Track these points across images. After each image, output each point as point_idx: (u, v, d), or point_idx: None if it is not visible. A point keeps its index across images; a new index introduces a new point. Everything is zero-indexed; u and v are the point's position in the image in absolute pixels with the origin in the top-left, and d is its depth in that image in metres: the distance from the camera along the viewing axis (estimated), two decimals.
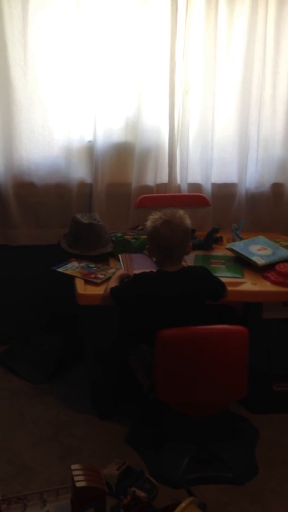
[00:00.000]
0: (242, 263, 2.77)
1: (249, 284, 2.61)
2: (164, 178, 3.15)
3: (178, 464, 2.33)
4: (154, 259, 2.47)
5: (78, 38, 2.84)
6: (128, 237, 2.92)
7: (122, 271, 2.57)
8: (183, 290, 2.35)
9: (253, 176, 3.21)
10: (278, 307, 2.62)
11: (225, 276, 2.59)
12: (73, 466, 1.82)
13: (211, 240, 2.98)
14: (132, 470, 2.25)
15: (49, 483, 2.23)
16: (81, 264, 2.73)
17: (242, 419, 2.64)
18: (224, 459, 2.35)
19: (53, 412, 2.72)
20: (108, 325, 2.53)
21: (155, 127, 3.05)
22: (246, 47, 2.97)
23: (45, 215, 3.08)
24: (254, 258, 2.73)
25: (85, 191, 3.10)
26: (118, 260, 2.74)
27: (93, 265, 2.72)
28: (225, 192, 3.22)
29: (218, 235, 3.02)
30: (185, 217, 2.37)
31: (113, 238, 2.89)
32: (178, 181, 3.14)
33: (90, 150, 3.04)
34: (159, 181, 3.15)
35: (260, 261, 2.71)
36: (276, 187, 3.24)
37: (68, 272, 2.67)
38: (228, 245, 2.88)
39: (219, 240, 3.03)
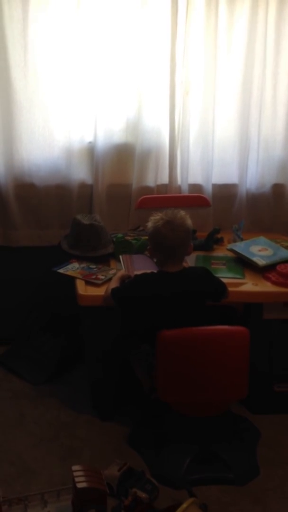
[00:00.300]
0: (243, 263, 2.77)
1: (250, 285, 2.60)
2: (164, 179, 3.15)
3: (179, 465, 2.33)
4: (155, 260, 2.47)
5: (78, 39, 2.84)
6: (128, 238, 2.92)
7: (123, 272, 2.57)
8: (184, 290, 2.35)
9: (254, 176, 3.21)
10: (279, 307, 2.62)
11: (226, 276, 2.59)
12: (74, 467, 1.82)
13: (212, 240, 2.98)
14: (133, 471, 2.25)
15: (50, 484, 2.22)
16: (82, 265, 2.73)
17: (243, 419, 2.64)
18: (225, 459, 2.35)
19: (54, 413, 2.72)
20: (109, 326, 2.53)
21: (156, 128, 3.05)
22: (246, 48, 2.97)
23: (46, 216, 3.08)
24: (255, 259, 2.73)
25: (86, 192, 3.10)
26: (119, 261, 2.74)
27: (93, 266, 2.72)
28: (225, 193, 3.22)
29: (219, 235, 3.02)
30: (186, 217, 2.37)
31: (114, 239, 2.89)
32: (179, 182, 3.14)
33: (90, 151, 3.04)
34: (159, 182, 3.15)
35: (261, 262, 2.71)
36: (277, 188, 3.24)
37: (68, 273, 2.67)
38: (229, 246, 2.88)
39: (220, 241, 3.03)
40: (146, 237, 2.56)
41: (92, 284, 2.57)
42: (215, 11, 2.87)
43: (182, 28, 2.89)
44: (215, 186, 3.19)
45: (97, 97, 2.93)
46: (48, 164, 3.00)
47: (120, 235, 2.93)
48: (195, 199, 3.10)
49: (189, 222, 2.37)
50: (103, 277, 2.61)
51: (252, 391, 2.43)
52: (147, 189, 3.12)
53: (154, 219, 2.37)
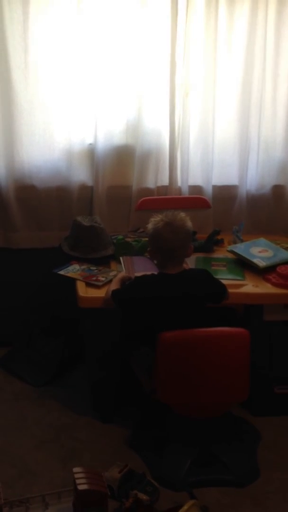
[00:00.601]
0: (243, 265, 2.77)
1: (250, 286, 2.61)
2: (164, 180, 3.15)
3: (180, 467, 2.33)
4: (155, 262, 2.47)
5: (79, 41, 2.84)
6: (129, 239, 2.92)
7: (123, 273, 2.58)
8: (184, 292, 2.35)
9: (254, 178, 3.21)
10: (279, 309, 2.62)
11: (226, 278, 2.59)
12: (75, 469, 1.82)
13: (212, 242, 2.98)
14: (134, 473, 2.25)
15: (51, 486, 2.22)
16: (82, 267, 2.73)
17: (244, 421, 2.64)
18: (225, 461, 2.35)
19: (55, 415, 2.72)
20: (109, 327, 2.53)
21: (156, 130, 3.05)
22: (246, 49, 2.97)
23: (46, 218, 3.08)
24: (255, 260, 2.73)
25: (86, 194, 3.10)
26: (119, 262, 2.74)
27: (94, 268, 2.72)
28: (226, 194, 3.22)
29: (219, 237, 3.02)
30: (186, 219, 2.37)
31: (114, 241, 2.89)
32: (179, 184, 3.14)
33: (91, 152, 3.04)
34: (159, 183, 3.15)
35: (261, 263, 2.71)
36: (277, 189, 3.24)
37: (69, 274, 2.67)
38: (229, 247, 2.88)
39: (220, 242, 3.03)
40: (147, 239, 2.56)
41: (92, 286, 2.57)
42: (215, 13, 2.88)
43: (182, 30, 2.90)
44: (215, 188, 3.19)
45: (97, 99, 2.93)
46: (48, 166, 3.01)
47: (120, 236, 2.93)
48: (195, 201, 3.10)
49: (189, 223, 2.37)
50: (103, 278, 2.61)
51: (253, 393, 2.42)
52: (147, 191, 3.12)
53: (154, 221, 2.37)
